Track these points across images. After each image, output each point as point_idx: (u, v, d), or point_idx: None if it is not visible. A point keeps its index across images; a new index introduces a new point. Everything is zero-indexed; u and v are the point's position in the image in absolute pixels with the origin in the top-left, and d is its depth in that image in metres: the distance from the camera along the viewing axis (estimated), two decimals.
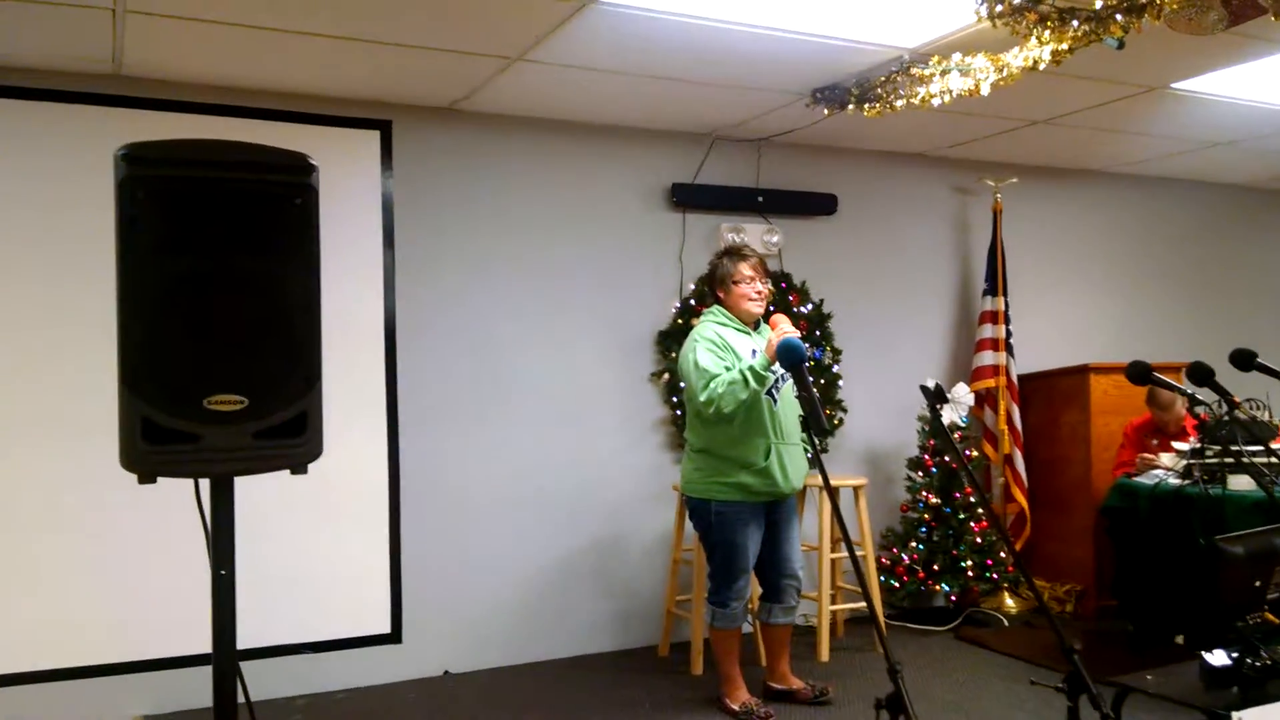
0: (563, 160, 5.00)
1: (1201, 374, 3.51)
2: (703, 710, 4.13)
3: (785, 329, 3.78)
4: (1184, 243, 6.76)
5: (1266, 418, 4.47)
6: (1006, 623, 5.35)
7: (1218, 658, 2.55)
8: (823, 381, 5.39)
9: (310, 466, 4.52)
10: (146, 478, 1.61)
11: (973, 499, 5.37)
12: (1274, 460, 4.25)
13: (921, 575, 5.26)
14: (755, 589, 4.42)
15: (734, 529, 3.98)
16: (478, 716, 4.15)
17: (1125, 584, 4.81)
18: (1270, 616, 2.52)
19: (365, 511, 4.56)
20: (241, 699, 1.90)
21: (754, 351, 3.95)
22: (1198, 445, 4.40)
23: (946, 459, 5.36)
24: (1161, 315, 6.58)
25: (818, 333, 5.40)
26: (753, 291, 4.07)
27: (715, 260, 4.16)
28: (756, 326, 4.15)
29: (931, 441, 5.41)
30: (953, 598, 5.26)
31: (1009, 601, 5.59)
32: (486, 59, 4.03)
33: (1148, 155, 5.92)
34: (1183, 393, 3.41)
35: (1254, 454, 4.23)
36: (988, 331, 5.77)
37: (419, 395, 4.67)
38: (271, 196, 1.68)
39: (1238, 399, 3.54)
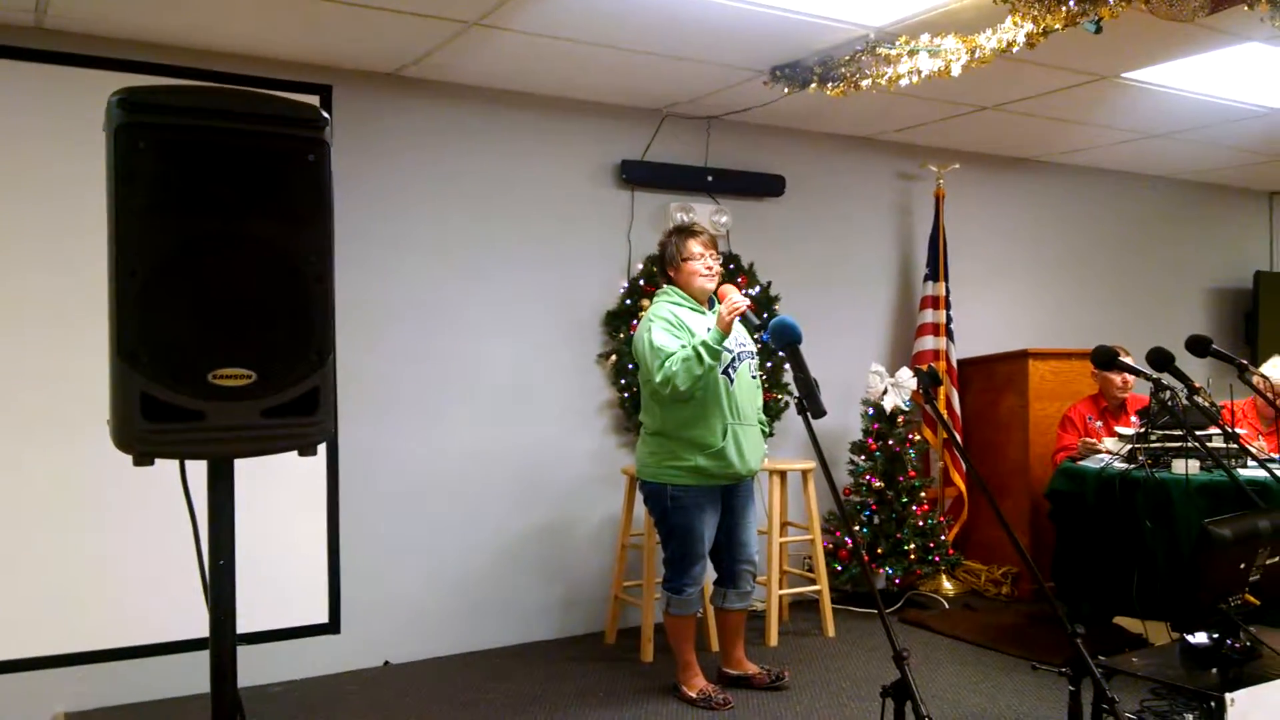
0: (510, 133, 4.84)
1: (1162, 360, 3.58)
2: (658, 698, 4.06)
3: (734, 300, 3.72)
4: (1121, 232, 6.93)
5: (1207, 403, 4.57)
6: (946, 605, 5.41)
7: (1198, 639, 2.58)
8: (769, 365, 5.36)
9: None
10: (143, 459, 1.44)
11: (916, 482, 5.41)
12: (1219, 445, 4.38)
13: (866, 558, 5.28)
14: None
15: (690, 514, 3.90)
16: (419, 708, 4.01)
17: (1065, 567, 4.89)
18: (1250, 598, 2.56)
19: (301, 499, 4.35)
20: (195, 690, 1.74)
21: (708, 329, 3.88)
22: (1142, 429, 4.49)
23: (890, 443, 5.39)
24: (1098, 302, 6.74)
25: (765, 315, 5.35)
26: (703, 267, 3.98)
27: (665, 239, 4.05)
28: (711, 305, 4.07)
29: (875, 425, 5.43)
30: (896, 580, 5.29)
31: (947, 584, 5.66)
32: (442, 22, 3.85)
33: (1090, 145, 6.03)
34: (1148, 378, 3.46)
35: (1199, 438, 4.35)
36: (929, 316, 5.82)
37: (357, 378, 4.46)
38: (283, 152, 1.52)
39: (1198, 385, 3.60)
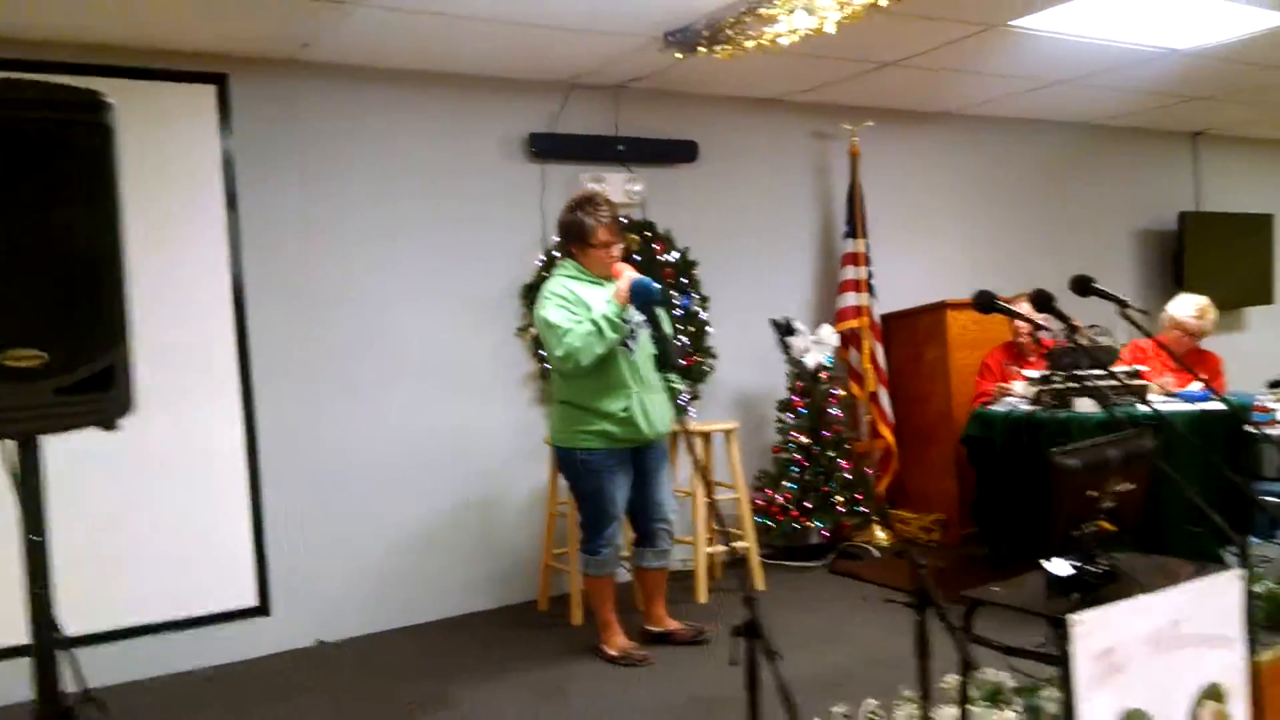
0: (414, 113, 4.85)
1: (1043, 300, 3.65)
2: (582, 659, 4.15)
3: (629, 277, 3.80)
4: (1036, 180, 7.00)
5: (1108, 342, 4.68)
6: (877, 554, 5.52)
7: (1059, 567, 2.67)
8: (691, 329, 5.42)
9: (161, 436, 4.31)
10: None
11: (842, 436, 5.50)
12: (1115, 383, 4.49)
13: (795, 514, 5.37)
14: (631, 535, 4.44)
15: (601, 477, 3.98)
16: (354, 684, 4.08)
17: (984, 509, 5.01)
18: (1105, 525, 2.65)
19: (221, 481, 4.39)
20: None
21: (608, 301, 3.93)
22: (1046, 372, 4.59)
23: (814, 399, 5.47)
24: (1016, 251, 6.81)
25: (684, 280, 5.42)
26: (607, 256, 4.02)
27: (569, 215, 4.05)
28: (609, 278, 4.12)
29: (799, 382, 5.51)
30: (825, 533, 5.39)
31: (880, 534, 5.77)
32: (328, 2, 3.86)
33: (995, 95, 6.09)
34: (1027, 320, 3.53)
35: (1097, 377, 4.45)
36: (849, 273, 5.89)
37: (275, 359, 4.51)
38: (64, 137, 1.55)
39: (1078, 323, 3.69)
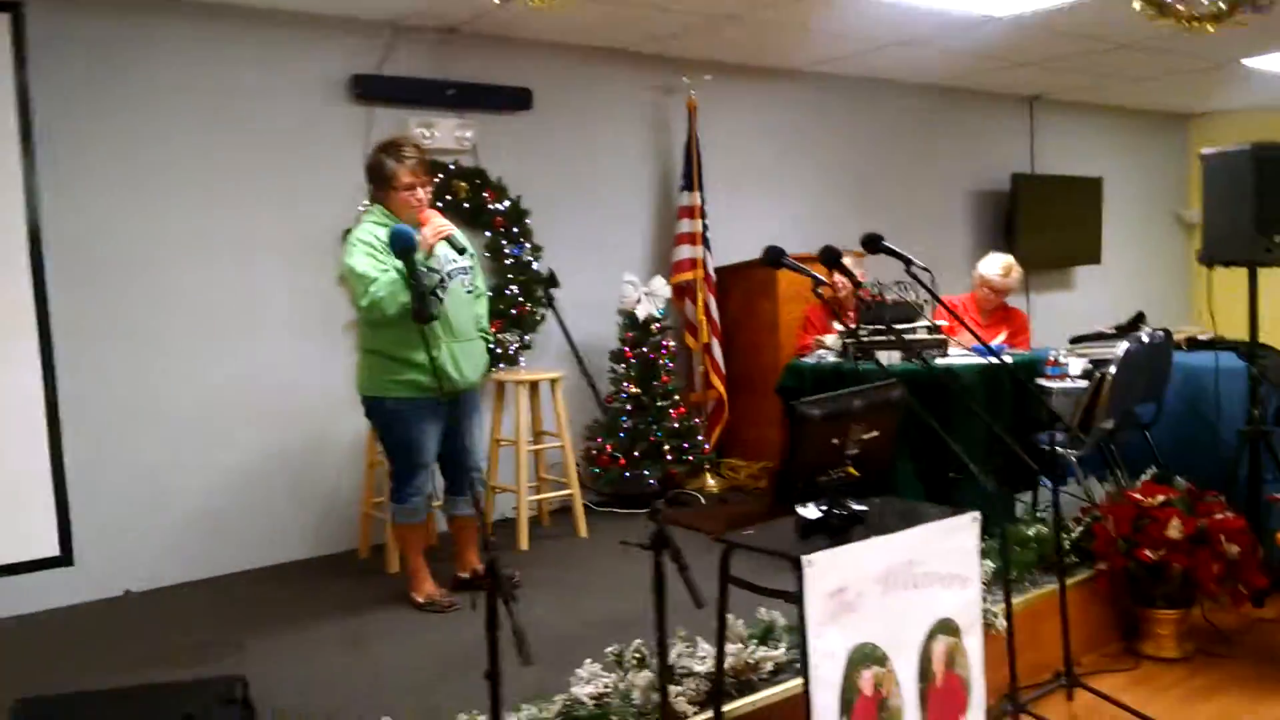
0: (229, 51, 4.70)
1: (830, 257, 3.79)
2: (391, 607, 4.17)
3: (438, 224, 3.79)
4: (876, 139, 7.19)
5: (914, 298, 4.85)
6: (704, 501, 5.68)
7: (810, 511, 2.80)
8: (523, 279, 5.43)
9: None
10: None
11: (670, 386, 5.61)
12: (919, 336, 4.69)
13: (623, 462, 5.47)
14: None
15: (410, 425, 3.98)
16: (160, 634, 4.02)
17: None
18: (852, 470, 2.78)
19: (18, 431, 4.25)
20: None
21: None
22: (854, 325, 4.76)
23: (644, 350, 5.56)
24: (854, 208, 7.00)
25: (515, 229, 5.42)
26: (413, 199, 3.95)
27: (374, 158, 3.97)
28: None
29: (630, 333, 5.59)
30: (652, 481, 5.51)
31: (710, 481, 5.93)
32: None
33: (832, 54, 6.21)
34: (811, 276, 3.64)
35: (901, 331, 4.64)
36: (685, 226, 5.97)
37: (79, 308, 4.36)
38: None
39: (862, 276, 3.83)
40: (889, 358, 4.56)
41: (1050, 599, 3.96)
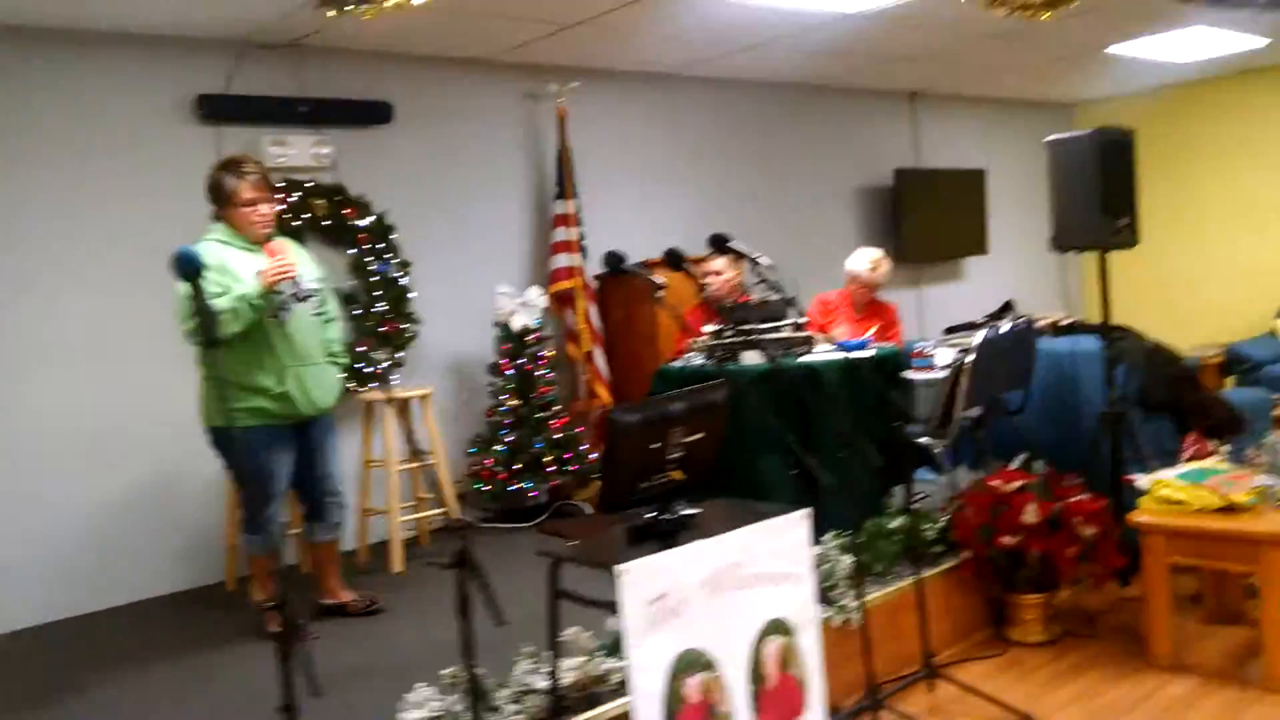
0: (79, 76, 4.57)
1: (675, 260, 3.76)
2: (248, 639, 4.02)
3: (280, 265, 3.69)
4: (755, 140, 7.21)
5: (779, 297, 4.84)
6: (590, 511, 5.62)
7: (640, 517, 2.76)
8: (392, 295, 5.32)
9: None
10: None
11: (550, 397, 5.54)
12: (782, 336, 4.68)
13: (503, 476, 5.39)
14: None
15: (259, 455, 3.85)
16: (14, 680, 3.84)
17: None
18: (676, 475, 2.74)
19: None
20: None
21: (257, 272, 3.79)
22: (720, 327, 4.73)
23: (522, 361, 5.49)
24: (735, 211, 7.00)
25: (380, 245, 5.31)
26: (255, 216, 3.85)
27: (214, 175, 3.86)
28: (269, 241, 3.98)
29: (506, 345, 5.51)
30: (533, 494, 5.43)
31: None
32: None
33: (693, 57, 6.19)
34: (650, 281, 3.61)
35: (764, 331, 4.63)
36: (561, 235, 5.92)
37: None
38: None
39: (701, 273, 3.80)
40: (752, 358, 4.55)
41: (914, 591, 3.97)
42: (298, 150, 5.06)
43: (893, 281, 8.05)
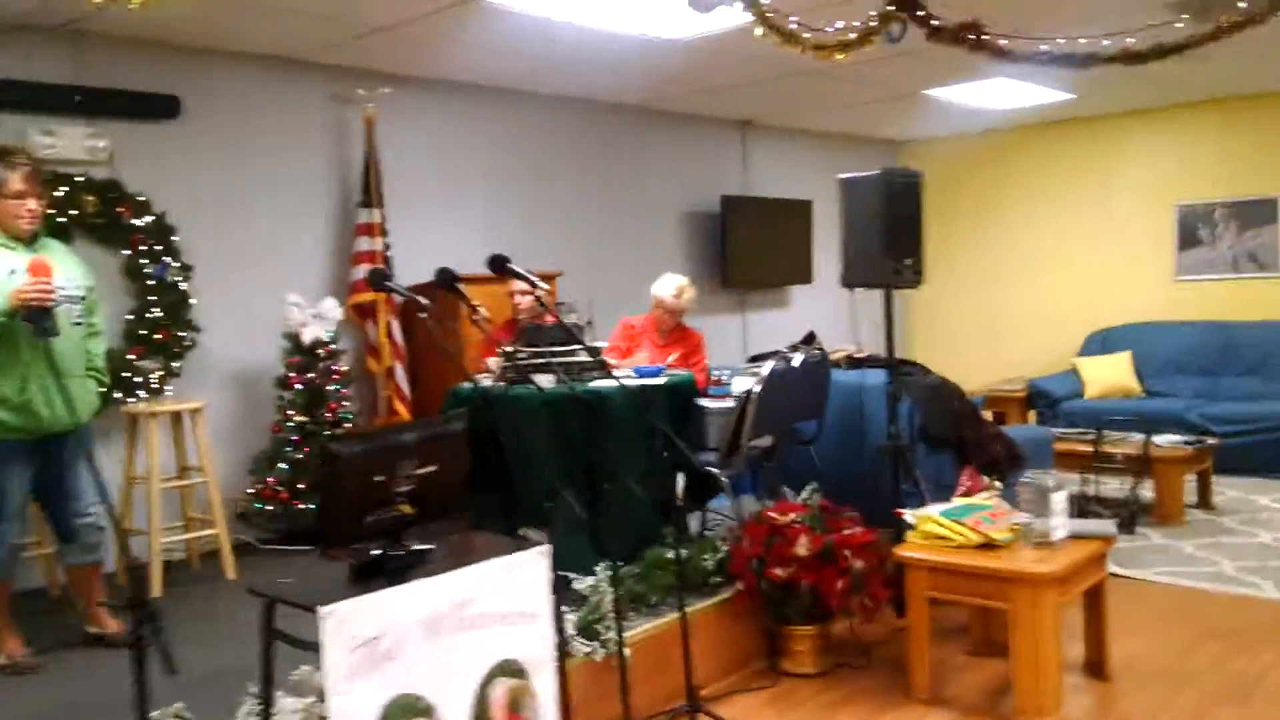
0: None
1: (446, 280, 3.62)
2: None
3: (37, 288, 3.36)
4: (580, 159, 7.14)
5: (575, 319, 4.77)
6: None
7: (365, 553, 2.60)
8: (169, 300, 5.00)
9: None
10: None
11: (342, 415, 5.30)
12: (575, 360, 4.59)
13: (286, 496, 5.12)
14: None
15: None
16: None
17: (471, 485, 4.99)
18: (405, 509, 2.60)
19: None
20: None
21: (13, 271, 3.49)
22: (512, 349, 4.62)
23: (311, 376, 5.24)
24: (555, 228, 6.93)
25: (158, 247, 4.99)
26: (23, 210, 3.57)
27: None
28: (34, 240, 3.67)
29: (295, 358, 5.26)
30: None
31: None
32: None
33: (512, 71, 6.09)
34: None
35: (557, 354, 4.53)
36: (364, 244, 5.70)
37: None
38: None
39: (476, 305, 3.70)
40: (544, 381, 4.44)
41: (690, 621, 3.93)
42: (68, 142, 4.71)
43: (717, 307, 8.18)
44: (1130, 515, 5.93)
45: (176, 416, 4.76)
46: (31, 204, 3.60)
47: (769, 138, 8.57)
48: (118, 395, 4.68)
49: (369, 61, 5.68)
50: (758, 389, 4.39)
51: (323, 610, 2.28)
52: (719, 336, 7.98)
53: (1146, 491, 6.11)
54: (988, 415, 8.53)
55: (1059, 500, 3.70)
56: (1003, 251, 9.40)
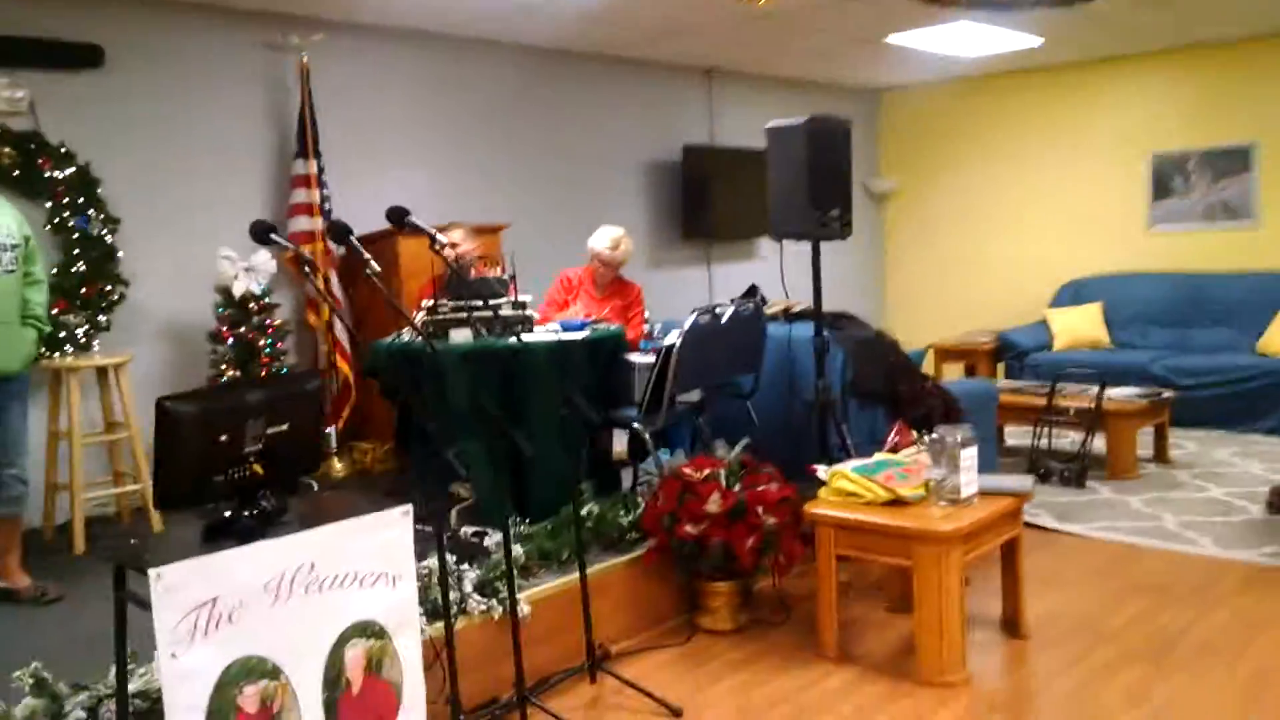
0: None
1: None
2: None
3: None
4: (527, 108, 6.96)
5: (494, 273, 4.69)
6: (316, 487, 5.38)
7: (217, 514, 2.57)
8: (94, 253, 4.94)
9: None
10: None
11: (275, 369, 5.26)
12: (500, 315, 4.52)
13: None
14: None
15: None
16: None
17: (400, 439, 4.97)
18: (257, 469, 2.56)
19: None
20: None
21: None
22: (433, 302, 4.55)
23: (243, 330, 5.19)
24: (502, 179, 6.81)
25: (80, 199, 4.91)
26: None
27: None
28: None
29: (226, 312, 5.20)
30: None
31: (338, 465, 5.65)
32: None
33: (459, 16, 5.94)
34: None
35: (479, 308, 4.47)
36: (300, 196, 5.61)
37: None
38: None
39: (368, 259, 3.60)
40: (462, 335, 4.39)
41: (602, 578, 3.91)
42: None
43: (681, 260, 8.07)
44: (1081, 470, 5.87)
45: (102, 371, 4.72)
46: None
47: (736, 85, 8.39)
48: (43, 351, 4.64)
49: (302, 8, 5.55)
50: (677, 342, 4.33)
51: (152, 573, 2.24)
52: (682, 289, 7.90)
53: (1101, 446, 6.05)
54: (950, 370, 8.47)
55: (968, 456, 3.64)
56: (976, 201, 9.25)
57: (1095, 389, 6.04)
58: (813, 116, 4.30)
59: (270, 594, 2.44)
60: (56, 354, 4.71)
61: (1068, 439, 6.10)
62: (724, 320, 4.61)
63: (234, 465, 2.51)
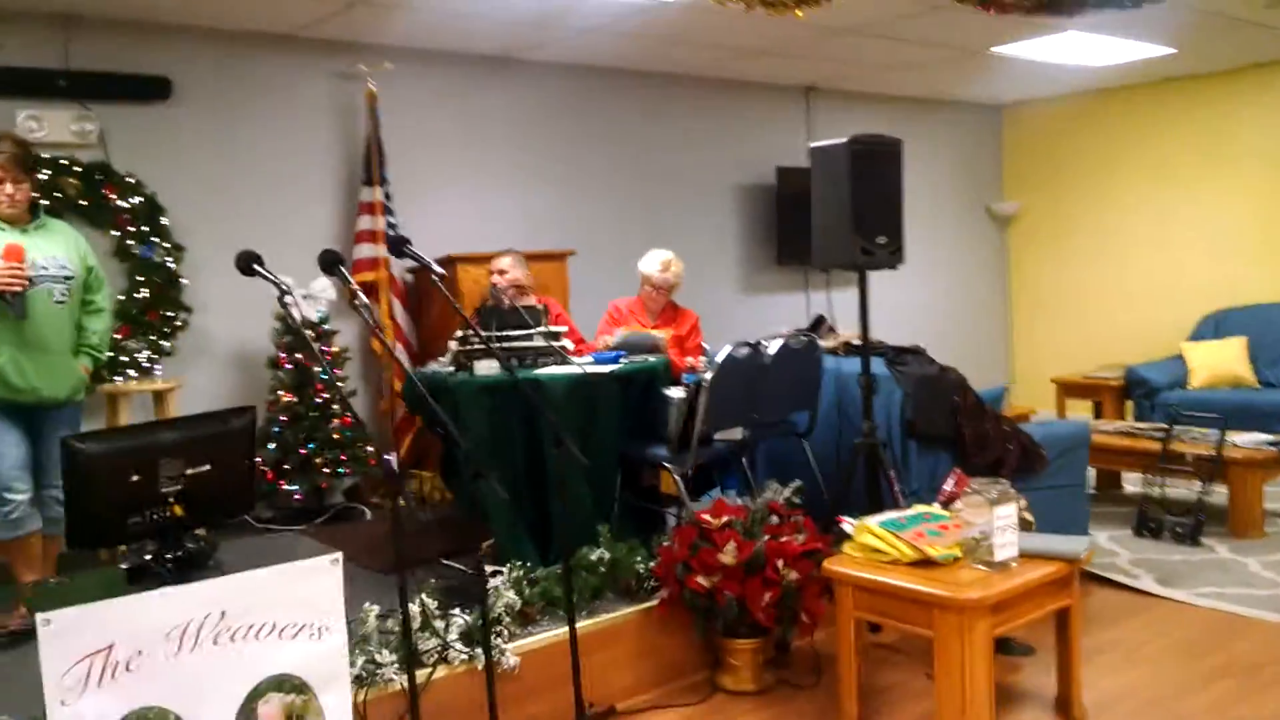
0: None
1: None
2: None
3: (12, 270, 3.55)
4: (577, 128, 6.71)
5: (530, 302, 4.55)
6: (370, 515, 5.37)
7: (134, 558, 2.49)
8: (157, 281, 5.07)
9: None
10: None
11: (326, 396, 5.27)
12: (527, 345, 4.38)
13: (271, 476, 5.13)
14: None
15: None
16: None
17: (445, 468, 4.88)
18: (177, 510, 2.47)
19: None
20: None
21: None
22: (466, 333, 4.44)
23: (300, 357, 5.23)
24: (583, 206, 6.68)
25: (146, 228, 5.05)
26: (2, 195, 3.69)
27: None
28: (32, 221, 3.81)
29: (285, 339, 5.25)
30: (299, 496, 5.17)
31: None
32: None
33: (524, 40, 5.87)
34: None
35: (511, 339, 4.34)
36: (365, 224, 5.64)
37: None
38: None
39: (355, 289, 3.50)
40: (487, 367, 4.25)
41: (614, 628, 3.68)
42: (55, 126, 4.82)
43: (773, 285, 7.75)
44: (1195, 525, 5.24)
45: (158, 396, 4.82)
46: (9, 188, 3.69)
47: (835, 103, 8.01)
48: (104, 374, 4.78)
49: (368, 36, 5.58)
50: (707, 377, 4.06)
51: (40, 617, 2.17)
52: (774, 318, 7.57)
53: (1220, 498, 5.40)
54: (1075, 407, 7.80)
55: (1004, 514, 3.23)
56: (1108, 224, 8.54)
57: (1218, 433, 5.40)
58: (856, 136, 3.97)
59: (174, 642, 2.33)
60: (119, 378, 4.85)
61: (1194, 488, 5.45)
62: (771, 353, 4.31)
63: (150, 506, 2.43)
